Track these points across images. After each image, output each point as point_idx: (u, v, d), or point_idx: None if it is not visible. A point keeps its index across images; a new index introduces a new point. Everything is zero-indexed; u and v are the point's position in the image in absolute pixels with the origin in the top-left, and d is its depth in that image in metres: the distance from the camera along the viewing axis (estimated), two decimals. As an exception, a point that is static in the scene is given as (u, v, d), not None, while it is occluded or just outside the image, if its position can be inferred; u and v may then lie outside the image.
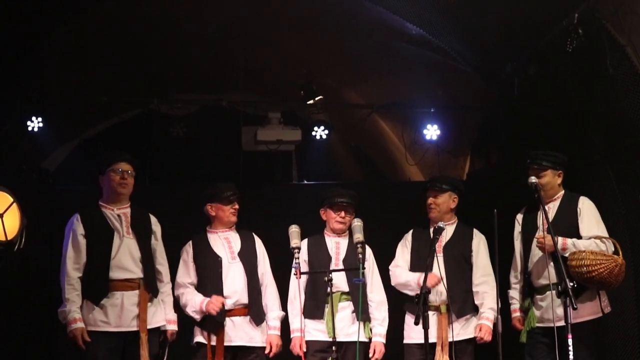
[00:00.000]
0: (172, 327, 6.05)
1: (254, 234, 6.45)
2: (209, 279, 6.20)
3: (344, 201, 6.38)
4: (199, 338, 6.17)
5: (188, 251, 6.29)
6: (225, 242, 6.30)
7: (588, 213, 6.04)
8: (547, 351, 5.98)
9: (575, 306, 5.24)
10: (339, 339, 5.99)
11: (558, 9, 6.27)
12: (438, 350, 6.13)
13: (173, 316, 6.07)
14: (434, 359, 6.11)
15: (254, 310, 6.23)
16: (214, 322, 6.11)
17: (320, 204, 6.48)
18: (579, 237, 5.95)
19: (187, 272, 6.25)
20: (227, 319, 6.14)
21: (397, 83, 9.06)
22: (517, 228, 6.28)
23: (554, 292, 5.88)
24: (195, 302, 6.12)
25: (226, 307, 6.14)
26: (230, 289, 6.18)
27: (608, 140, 6.58)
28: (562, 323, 5.59)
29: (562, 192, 6.14)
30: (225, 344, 6.11)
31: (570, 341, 5.21)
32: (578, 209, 6.04)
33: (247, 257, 6.30)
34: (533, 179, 5.92)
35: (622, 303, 6.46)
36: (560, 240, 5.85)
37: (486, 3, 6.81)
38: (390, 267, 6.52)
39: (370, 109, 9.23)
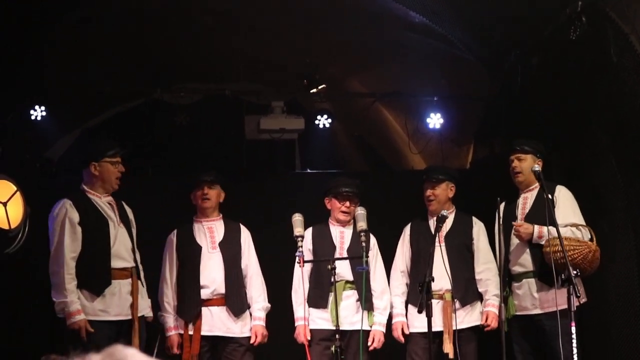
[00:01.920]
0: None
1: (241, 224, 6.43)
2: (187, 268, 6.22)
3: (349, 191, 6.36)
4: (176, 328, 6.18)
5: (172, 240, 6.30)
6: (207, 232, 6.30)
7: (564, 201, 6.10)
8: (530, 339, 6.10)
9: (578, 294, 5.25)
10: (343, 327, 5.97)
11: (561, -3, 6.25)
12: (445, 338, 6.14)
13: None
14: (442, 347, 6.13)
15: (232, 301, 6.19)
16: (190, 312, 6.14)
17: (324, 193, 6.48)
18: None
19: (170, 266, 6.25)
20: (205, 309, 6.15)
21: (400, 72, 9.03)
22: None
23: (530, 279, 6.04)
24: (166, 321, 6.17)
25: (203, 297, 6.15)
26: (208, 279, 6.18)
27: (612, 130, 6.56)
28: (538, 311, 5.96)
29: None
30: (203, 333, 6.11)
31: (573, 329, 5.22)
32: (555, 198, 6.07)
33: (229, 247, 6.28)
34: (536, 167, 5.93)
35: (626, 294, 6.46)
36: (536, 228, 5.92)
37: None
38: (391, 272, 6.51)
39: (373, 97, 9.21)
